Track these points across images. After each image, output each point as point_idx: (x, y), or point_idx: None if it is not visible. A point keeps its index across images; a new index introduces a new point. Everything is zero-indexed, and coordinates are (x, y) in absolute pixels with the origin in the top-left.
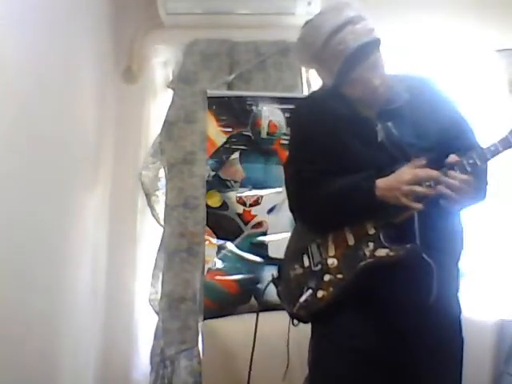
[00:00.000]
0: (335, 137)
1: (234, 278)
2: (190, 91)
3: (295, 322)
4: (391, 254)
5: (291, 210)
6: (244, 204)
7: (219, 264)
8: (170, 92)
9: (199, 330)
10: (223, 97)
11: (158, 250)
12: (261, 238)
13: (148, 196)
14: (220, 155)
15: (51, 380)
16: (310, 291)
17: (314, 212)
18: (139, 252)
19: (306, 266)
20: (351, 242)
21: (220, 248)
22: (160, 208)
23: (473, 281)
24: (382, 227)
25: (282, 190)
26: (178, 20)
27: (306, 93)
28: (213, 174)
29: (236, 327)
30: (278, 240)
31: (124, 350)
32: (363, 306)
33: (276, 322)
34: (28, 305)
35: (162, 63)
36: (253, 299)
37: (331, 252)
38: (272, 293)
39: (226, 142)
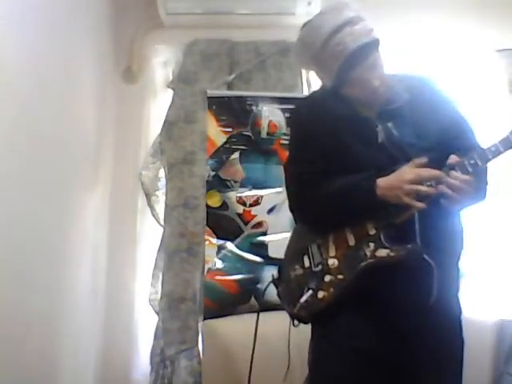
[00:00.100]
0: (335, 137)
1: (233, 278)
2: (190, 91)
3: (295, 322)
4: (392, 254)
5: (291, 210)
6: (244, 204)
7: (219, 264)
8: (170, 92)
9: (199, 329)
10: (223, 97)
11: (158, 250)
12: (261, 238)
13: (148, 196)
14: (220, 155)
15: (51, 380)
16: (311, 292)
17: (315, 212)
18: (139, 252)
19: (306, 267)
20: (352, 242)
21: (220, 248)
22: (160, 208)
23: (473, 281)
24: (383, 227)
25: (282, 189)
26: (178, 20)
27: (306, 93)
28: (213, 174)
29: (236, 327)
30: (278, 240)
31: (124, 350)
32: (364, 307)
33: (276, 322)
34: (28, 305)
35: (162, 63)
36: (253, 299)
37: (332, 252)
38: (272, 293)
39: (226, 142)
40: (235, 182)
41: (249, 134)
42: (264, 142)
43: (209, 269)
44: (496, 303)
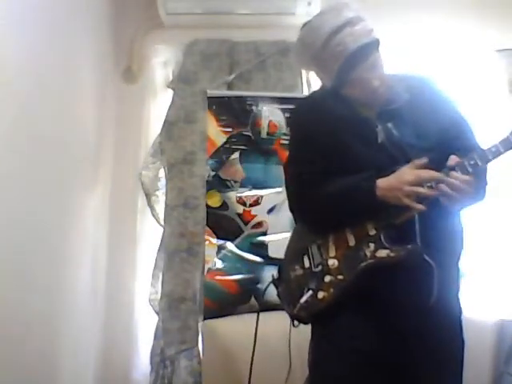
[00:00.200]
0: (335, 137)
1: (233, 278)
2: (190, 91)
3: (295, 323)
4: (392, 254)
5: (291, 210)
6: (244, 204)
7: (219, 264)
8: (170, 92)
9: (199, 329)
10: (223, 97)
11: (158, 250)
12: (261, 238)
13: (148, 196)
14: (220, 155)
15: (51, 380)
16: (311, 292)
17: (315, 212)
18: (139, 252)
19: (306, 267)
20: (352, 242)
21: (220, 248)
22: (160, 208)
23: (473, 281)
24: (383, 228)
25: (282, 189)
26: (178, 20)
27: (306, 93)
28: (213, 174)
29: (236, 327)
30: (277, 240)
31: (124, 350)
32: (364, 307)
33: (276, 323)
34: (28, 305)
35: (162, 63)
36: (253, 299)
37: (332, 253)
38: (272, 293)
39: (226, 142)
40: (235, 181)
41: (249, 133)
42: (264, 142)
43: (209, 269)
44: (496, 303)
